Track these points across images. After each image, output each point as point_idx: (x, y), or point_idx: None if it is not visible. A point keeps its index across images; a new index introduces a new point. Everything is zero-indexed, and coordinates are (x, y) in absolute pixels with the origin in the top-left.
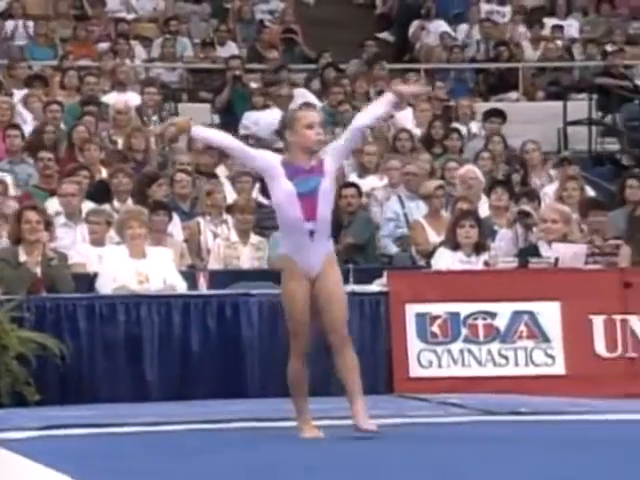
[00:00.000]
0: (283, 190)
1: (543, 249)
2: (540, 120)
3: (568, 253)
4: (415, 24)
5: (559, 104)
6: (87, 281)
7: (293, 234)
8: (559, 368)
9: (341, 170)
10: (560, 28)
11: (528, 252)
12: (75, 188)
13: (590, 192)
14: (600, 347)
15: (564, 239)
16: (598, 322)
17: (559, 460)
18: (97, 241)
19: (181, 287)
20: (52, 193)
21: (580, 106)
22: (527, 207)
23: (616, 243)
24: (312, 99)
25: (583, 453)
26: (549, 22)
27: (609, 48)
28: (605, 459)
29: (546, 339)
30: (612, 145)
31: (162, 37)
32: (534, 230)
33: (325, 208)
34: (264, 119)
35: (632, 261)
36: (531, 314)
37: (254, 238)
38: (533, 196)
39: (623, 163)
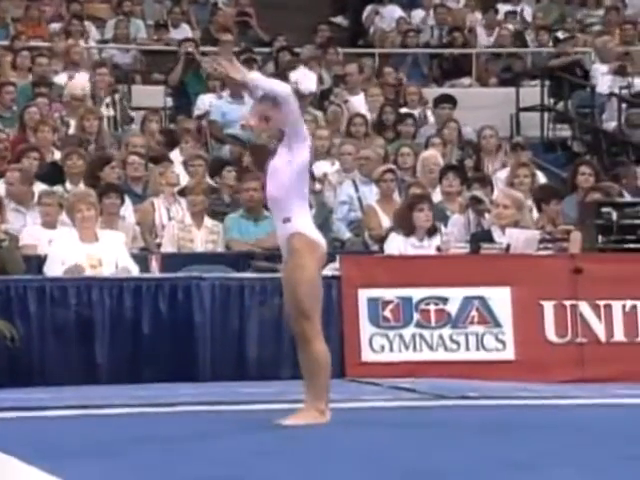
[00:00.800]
0: None
1: (496, 234)
2: (493, 106)
3: (521, 239)
4: (369, 9)
5: (512, 90)
6: (38, 263)
7: None
8: (509, 353)
9: None
10: (513, 14)
11: (480, 237)
12: (17, 176)
13: (542, 178)
14: (550, 333)
15: (516, 225)
16: (548, 308)
17: (508, 444)
18: (49, 223)
19: (133, 270)
20: (3, 175)
21: (532, 92)
22: (479, 193)
23: (567, 229)
24: None
25: (532, 438)
26: (503, 8)
27: (561, 35)
28: (553, 443)
29: (497, 324)
30: (564, 131)
31: (115, 18)
32: (486, 216)
33: (272, 188)
34: (217, 103)
35: (582, 247)
36: (482, 299)
37: (208, 221)
38: (485, 182)
39: (574, 150)
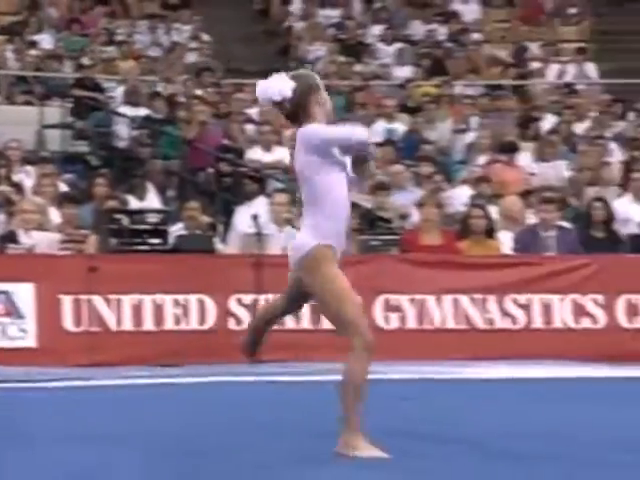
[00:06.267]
0: None
1: (22, 236)
2: (20, 122)
3: (44, 240)
4: None
5: (37, 109)
6: None
7: None
8: (31, 341)
9: None
10: (34, 44)
11: (7, 239)
12: None
13: (63, 187)
14: (68, 323)
15: (40, 228)
16: (67, 301)
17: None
18: None
19: None
20: None
21: (56, 112)
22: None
23: (85, 233)
24: None
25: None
26: (30, 38)
27: (86, 61)
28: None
29: (21, 316)
30: (82, 147)
31: None
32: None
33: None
34: None
35: (98, 249)
36: (8, 294)
37: None
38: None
39: (92, 163)
